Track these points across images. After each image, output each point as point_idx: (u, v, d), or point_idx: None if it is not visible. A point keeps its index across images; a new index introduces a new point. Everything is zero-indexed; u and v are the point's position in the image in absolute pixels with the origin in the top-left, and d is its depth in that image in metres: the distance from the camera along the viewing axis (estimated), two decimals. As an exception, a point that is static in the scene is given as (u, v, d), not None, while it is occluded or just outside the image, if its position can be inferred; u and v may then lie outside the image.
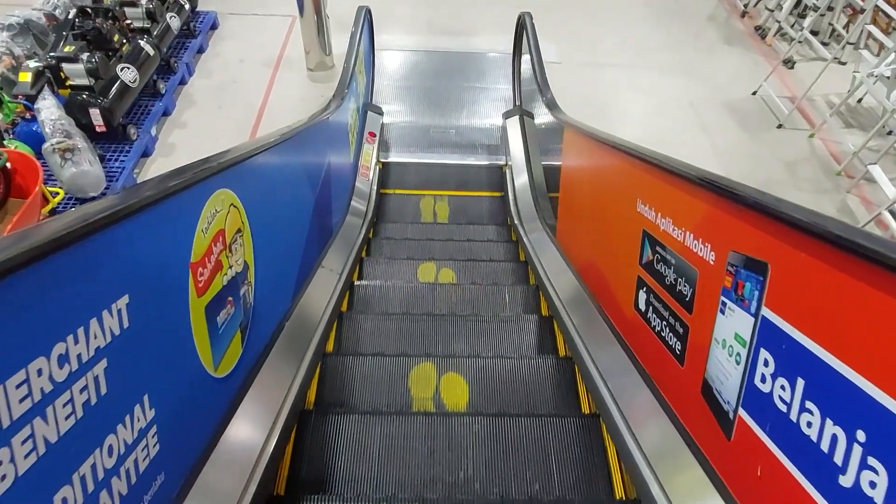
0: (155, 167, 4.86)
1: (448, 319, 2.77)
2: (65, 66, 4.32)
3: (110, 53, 4.65)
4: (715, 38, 6.93)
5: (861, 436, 1.00)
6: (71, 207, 4.22)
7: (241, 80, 5.90)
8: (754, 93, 5.99)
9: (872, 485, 0.97)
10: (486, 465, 1.97)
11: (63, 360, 0.94)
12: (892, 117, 4.66)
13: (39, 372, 0.89)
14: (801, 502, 1.14)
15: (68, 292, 0.95)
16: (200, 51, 6.11)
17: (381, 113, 5.42)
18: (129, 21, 5.11)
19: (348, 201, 3.97)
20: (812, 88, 5.46)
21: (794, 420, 1.17)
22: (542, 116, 4.73)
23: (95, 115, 4.41)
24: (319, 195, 3.01)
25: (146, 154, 4.89)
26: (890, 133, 5.12)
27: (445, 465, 1.96)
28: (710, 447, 1.54)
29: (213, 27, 6.45)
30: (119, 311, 1.09)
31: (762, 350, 1.30)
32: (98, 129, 4.48)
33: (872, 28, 5.45)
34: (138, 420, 1.18)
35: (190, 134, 5.25)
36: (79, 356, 0.98)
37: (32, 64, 4.39)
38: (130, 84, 4.72)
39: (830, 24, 6.51)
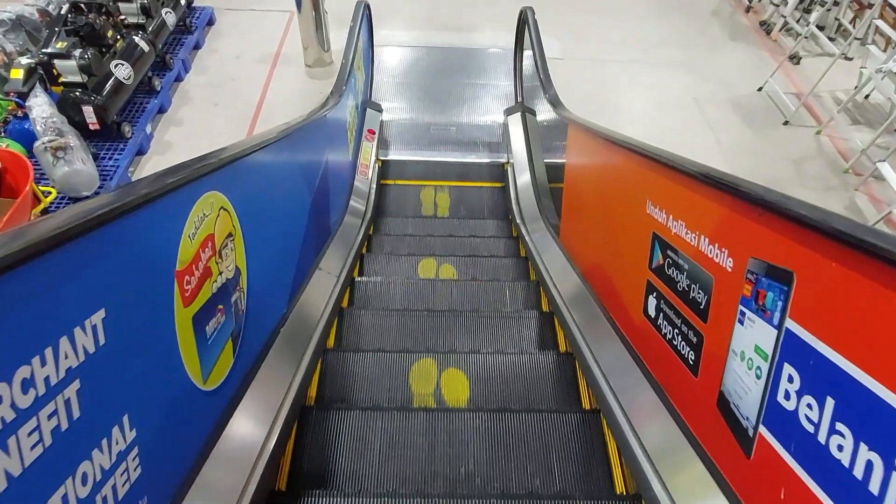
0: (150, 165, 4.77)
1: (449, 315, 2.77)
2: (57, 62, 4.23)
3: (104, 50, 4.56)
4: (719, 33, 6.83)
5: (902, 464, 0.92)
6: (65, 206, 4.14)
7: (238, 76, 5.81)
8: (760, 89, 5.89)
9: (915, 519, 0.89)
10: (486, 460, 1.98)
11: (28, 384, 0.86)
12: (902, 114, 4.57)
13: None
14: (831, 532, 1.06)
15: (33, 310, 0.87)
16: (197, 47, 6.01)
17: (380, 110, 5.33)
18: (123, 17, 5.01)
19: (347, 201, 3.88)
20: (818, 84, 5.36)
21: (823, 442, 1.09)
22: (545, 113, 4.64)
23: (88, 112, 4.32)
24: (316, 195, 2.92)
25: (141, 152, 4.81)
26: (898, 130, 5.03)
27: (446, 461, 1.96)
28: (727, 464, 1.46)
29: (210, 23, 6.35)
30: (94, 328, 1.01)
31: (786, 365, 1.21)
32: (91, 127, 4.39)
33: (880, 23, 5.35)
34: (117, 443, 1.09)
35: (186, 131, 5.16)
36: (46, 379, 0.89)
37: (24, 61, 4.29)
38: (125, 81, 4.62)
39: (837, 18, 6.41)
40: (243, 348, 1.81)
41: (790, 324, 1.20)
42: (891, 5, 5.29)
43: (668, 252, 1.79)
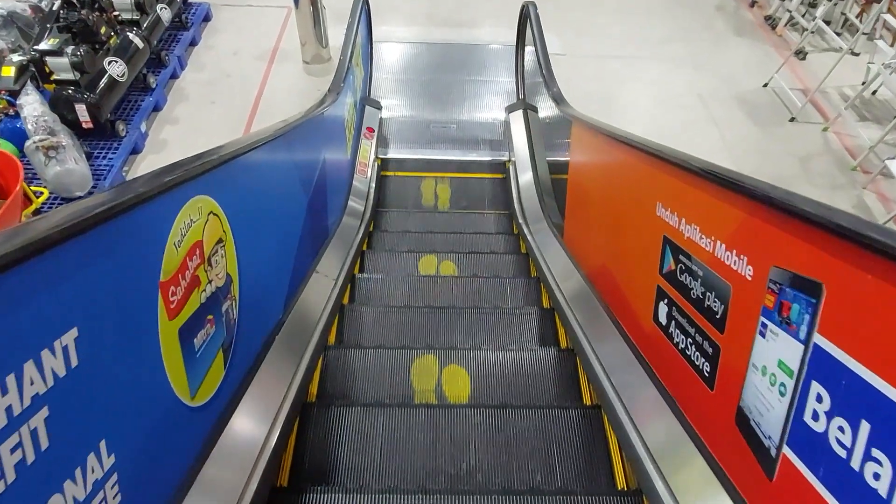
0: (145, 164, 4.68)
1: (449, 312, 2.76)
2: (49, 59, 4.14)
3: (97, 46, 4.46)
4: (723, 28, 6.73)
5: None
6: (57, 207, 4.05)
7: (235, 73, 5.71)
8: (765, 85, 5.80)
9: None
10: (488, 456, 1.97)
11: (-14, 416, 0.77)
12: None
13: (-48, 436, 0.73)
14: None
15: (-9, 334, 0.79)
16: (193, 43, 5.91)
17: (379, 107, 5.24)
18: (117, 13, 4.92)
19: (345, 200, 3.79)
20: (825, 80, 5.26)
21: (857, 469, 1.00)
22: (547, 110, 4.55)
23: (81, 110, 4.23)
24: (313, 196, 2.84)
25: (136, 151, 4.72)
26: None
27: (448, 457, 1.96)
28: (747, 485, 1.38)
29: (206, 19, 6.25)
30: (65, 349, 0.93)
31: (814, 383, 1.13)
32: (85, 126, 4.31)
33: (888, 17, 5.25)
34: (93, 471, 1.01)
35: (182, 130, 5.07)
36: (8, 409, 0.81)
37: (16, 58, 4.20)
38: (119, 78, 4.53)
39: (843, 13, 6.31)
40: (235, 359, 1.73)
41: (819, 339, 1.11)
42: (899, -1, 5.20)
43: (681, 257, 1.71)
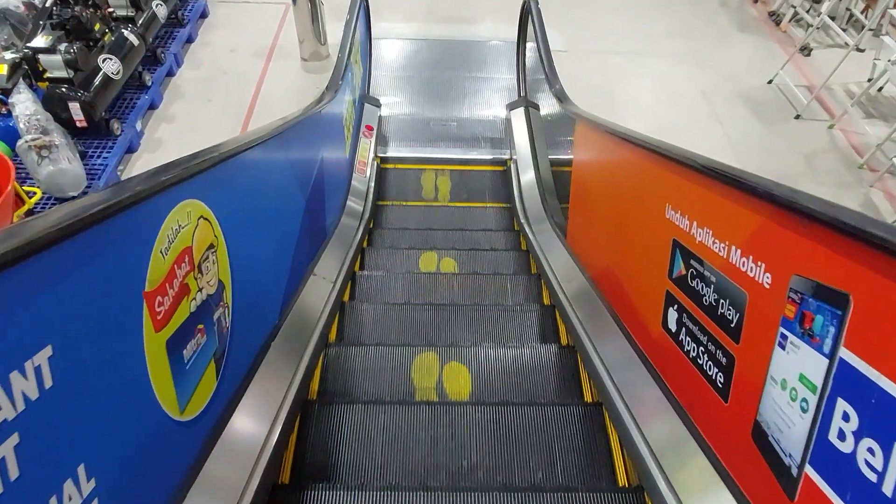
0: (140, 163, 4.61)
1: (450, 309, 2.75)
2: (41, 57, 4.06)
3: (91, 44, 4.38)
4: (727, 24, 6.64)
5: None
6: (51, 207, 3.98)
7: (232, 71, 5.63)
8: (770, 81, 5.71)
9: None
10: (489, 453, 1.97)
11: (-56, 449, 0.71)
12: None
13: None
14: None
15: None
16: (189, 40, 5.83)
17: (378, 105, 5.16)
18: (111, 9, 4.84)
19: (344, 200, 3.72)
20: (830, 77, 5.18)
21: (891, 496, 0.94)
22: (549, 108, 4.48)
23: (75, 109, 4.15)
24: (311, 196, 2.77)
25: (131, 150, 4.64)
26: (914, 123, 4.86)
27: (449, 454, 1.97)
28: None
29: (203, 15, 6.16)
30: (38, 369, 0.86)
31: (840, 400, 1.06)
32: (79, 124, 4.23)
33: (895, 12, 5.17)
34: (70, 499, 0.94)
35: (178, 128, 4.99)
36: (-29, 440, 0.74)
37: (8, 55, 4.12)
38: (113, 76, 4.45)
39: (848, 8, 6.22)
40: (228, 369, 1.66)
41: (845, 353, 1.04)
42: (905, -6, 5.11)
43: (692, 262, 1.64)
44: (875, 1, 5.84)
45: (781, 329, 1.23)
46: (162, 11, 5.29)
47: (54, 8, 4.29)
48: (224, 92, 5.39)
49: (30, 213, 3.79)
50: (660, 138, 1.88)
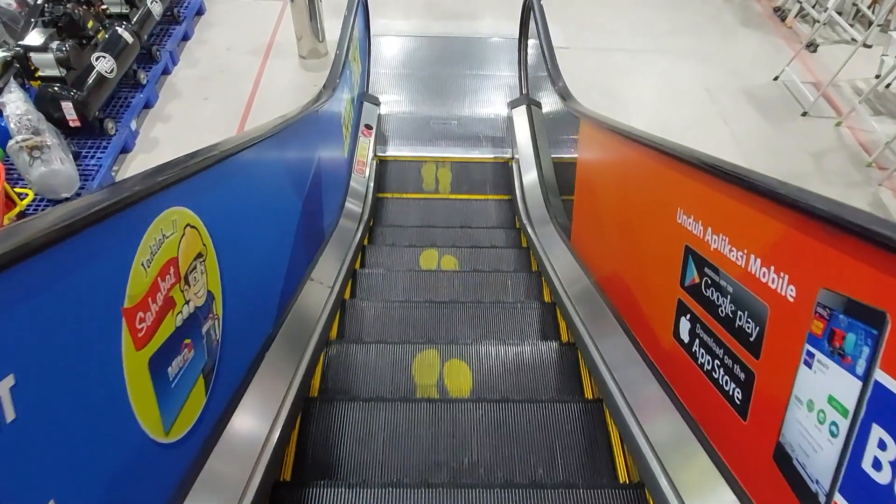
0: (136, 164, 4.53)
1: (450, 306, 2.74)
2: (33, 55, 3.97)
3: (84, 42, 4.30)
4: (731, 20, 6.54)
5: None
6: (43, 209, 3.90)
7: (229, 69, 5.55)
8: (776, 78, 5.62)
9: None
10: (490, 450, 1.98)
11: None
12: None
13: None
14: None
15: None
16: (185, 38, 5.74)
17: (377, 103, 5.07)
18: (105, 6, 4.75)
19: (342, 202, 3.64)
20: (837, 73, 5.08)
21: (936, 535, 0.86)
22: (552, 106, 4.39)
23: (68, 108, 4.07)
24: (307, 199, 2.68)
25: (126, 150, 4.56)
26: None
27: (450, 451, 1.97)
28: (788, 532, 1.23)
29: (199, 12, 6.08)
30: (-3, 401, 0.78)
31: (875, 426, 0.98)
32: (72, 124, 4.15)
33: (904, 8, 5.08)
34: (37, 540, 0.86)
35: (174, 127, 4.91)
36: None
37: (-1, 54, 4.04)
38: (107, 74, 4.37)
39: (854, 3, 6.13)
40: (219, 383, 1.58)
41: (882, 376, 0.96)
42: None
43: (706, 270, 1.55)
44: (882, -4, 5.74)
45: (807, 346, 1.15)
46: (157, 8, 5.20)
47: (46, 5, 4.21)
48: (221, 90, 5.31)
49: (22, 215, 3.71)
50: (663, 137, 1.83)
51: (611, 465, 1.96)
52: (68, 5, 4.20)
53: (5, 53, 4.02)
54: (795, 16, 6.36)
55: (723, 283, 1.47)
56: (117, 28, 4.60)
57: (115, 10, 4.82)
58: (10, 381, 0.80)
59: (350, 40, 3.87)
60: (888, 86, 5.44)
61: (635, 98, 5.55)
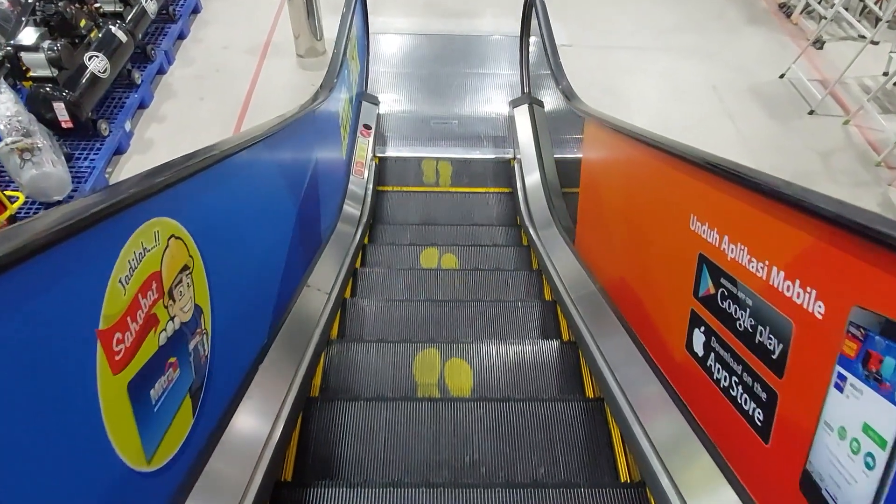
0: (130, 165, 4.44)
1: (451, 305, 2.74)
2: (24, 55, 3.89)
3: (76, 41, 4.21)
4: (736, 17, 6.45)
5: None
6: (34, 213, 3.82)
7: (226, 68, 5.46)
8: (782, 76, 5.53)
9: None
10: (491, 449, 1.98)
11: None
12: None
13: None
14: None
15: None
16: (181, 37, 5.65)
17: (376, 103, 4.98)
18: (98, 4, 4.66)
19: (340, 204, 3.55)
20: (845, 71, 4.99)
21: None
22: (555, 104, 4.30)
23: (60, 109, 3.98)
24: (304, 203, 2.59)
25: (120, 151, 4.47)
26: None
27: (451, 450, 1.97)
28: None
29: (195, 11, 5.99)
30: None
31: (919, 461, 0.89)
32: (64, 125, 4.06)
33: (912, 3, 4.98)
34: None
35: (169, 128, 4.82)
36: None
37: (-10, 53, 3.95)
38: (100, 74, 4.28)
39: (861, 0, 6.02)
40: (207, 402, 1.50)
41: (926, 406, 0.88)
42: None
43: (723, 281, 1.47)
44: (890, -9, 5.63)
45: (838, 368, 1.06)
46: (152, 7, 5.11)
47: (38, 4, 4.12)
48: (217, 90, 5.22)
49: (12, 219, 3.63)
50: (666, 135, 1.80)
51: (612, 464, 1.96)
52: (60, 4, 4.11)
53: (-4, 53, 3.94)
54: (801, 12, 6.26)
55: (741, 295, 1.38)
56: (111, 27, 4.52)
57: (108, 8, 4.74)
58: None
59: (348, 38, 3.78)
60: (896, 83, 5.35)
61: (637, 96, 5.45)
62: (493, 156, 4.68)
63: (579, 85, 3.50)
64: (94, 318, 1.00)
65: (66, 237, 0.89)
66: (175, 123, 4.87)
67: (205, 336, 1.49)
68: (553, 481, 1.89)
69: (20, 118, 3.65)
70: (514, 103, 4.81)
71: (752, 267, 1.33)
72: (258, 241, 1.99)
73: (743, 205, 1.36)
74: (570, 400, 2.12)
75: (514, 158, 4.45)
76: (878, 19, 5.35)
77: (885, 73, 5.30)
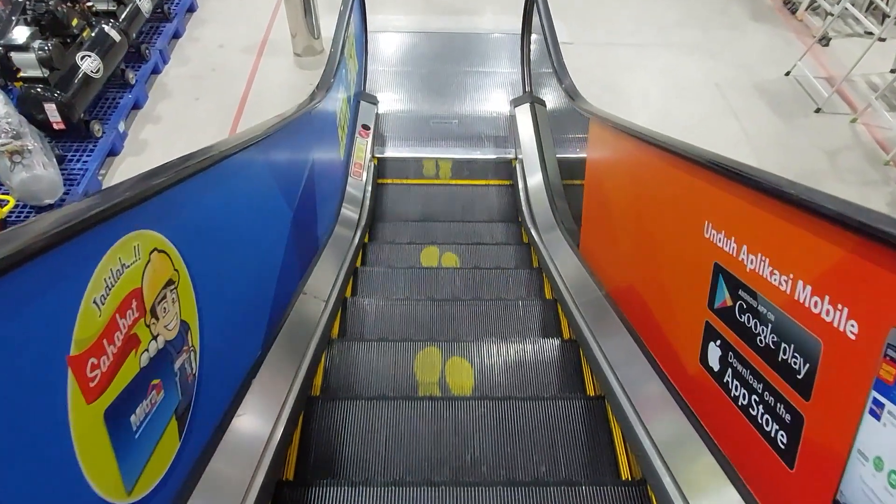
0: (124, 167, 4.36)
1: (452, 304, 2.73)
2: (14, 55, 3.80)
3: (68, 40, 4.12)
4: (740, 13, 6.35)
5: None
6: (25, 217, 3.74)
7: (222, 67, 5.37)
8: (787, 73, 5.43)
9: None
10: (492, 448, 1.97)
11: None
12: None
13: None
14: None
15: None
16: (176, 35, 5.56)
17: (375, 102, 4.89)
18: (90, 3, 4.57)
19: (338, 208, 3.46)
20: (853, 69, 4.89)
21: None
22: (557, 103, 4.21)
23: (51, 110, 3.90)
24: (300, 207, 2.51)
25: (113, 153, 4.39)
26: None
27: (452, 449, 1.96)
28: None
29: (191, 9, 5.89)
30: None
31: (971, 501, 0.81)
32: (56, 127, 3.97)
33: (921, -1, 4.89)
34: None
35: (164, 129, 4.73)
36: None
37: (-22, 53, 3.86)
38: (93, 74, 4.19)
39: (867, -5, 5.93)
40: (196, 421, 1.41)
41: (980, 442, 0.79)
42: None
43: (741, 293, 1.38)
44: (897, -13, 5.54)
45: (874, 393, 0.98)
46: (146, 5, 5.02)
47: (28, 2, 4.03)
48: (213, 90, 5.13)
49: (2, 223, 3.54)
50: (669, 134, 1.76)
51: (613, 462, 1.95)
52: (51, 2, 4.02)
53: (-15, 53, 3.85)
54: (806, 8, 6.16)
55: (762, 309, 1.30)
56: (104, 26, 4.42)
57: (101, 7, 4.65)
58: None
59: (346, 37, 3.69)
60: (903, 80, 5.25)
61: (638, 94, 5.36)
62: (493, 156, 4.60)
63: (579, 82, 3.42)
64: (64, 345, 0.92)
65: (28, 258, 0.81)
66: (170, 124, 4.78)
67: (192, 353, 1.40)
68: (554, 479, 1.89)
69: (10, 120, 3.57)
70: (516, 102, 4.72)
71: (775, 280, 1.24)
72: (251, 250, 1.90)
73: (764, 213, 1.28)
74: (571, 398, 2.11)
75: (516, 159, 4.37)
76: (884, 15, 5.25)
77: (893, 70, 5.21)
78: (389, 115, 4.98)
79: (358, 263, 3.21)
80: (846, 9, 5.23)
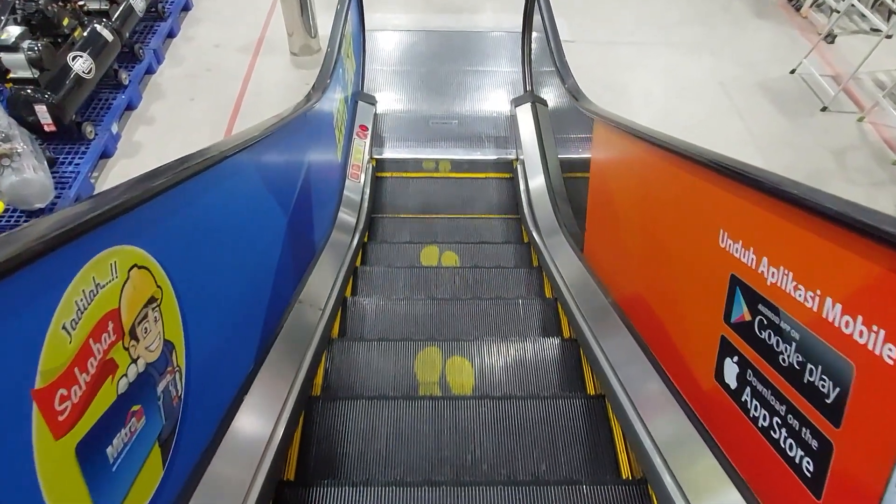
0: (117, 169, 4.27)
1: (452, 303, 2.72)
2: (3, 55, 3.71)
3: (59, 40, 4.03)
4: (743, 10, 6.26)
5: None
6: (15, 222, 3.65)
7: (217, 67, 5.29)
8: (793, 71, 5.35)
9: None
10: (492, 447, 1.97)
11: None
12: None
13: None
14: None
15: None
16: (170, 35, 5.48)
17: (373, 102, 4.80)
18: (82, 2, 4.48)
19: (335, 211, 3.38)
20: (860, 66, 4.81)
21: None
22: (559, 103, 4.12)
23: (42, 112, 3.81)
24: (295, 213, 2.42)
25: (106, 155, 4.30)
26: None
27: (453, 448, 1.96)
28: None
29: (185, 8, 5.81)
30: None
31: None
32: (47, 129, 3.89)
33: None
34: None
35: (158, 130, 4.65)
36: None
37: (-33, 54, 3.78)
38: (85, 75, 4.10)
39: (873, -8, 5.85)
40: (182, 446, 1.33)
41: None
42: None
43: (761, 308, 1.30)
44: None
45: (916, 425, 0.89)
46: (140, 4, 4.94)
47: (18, 1, 3.94)
48: (208, 90, 5.05)
49: (-8, 228, 3.46)
50: (672, 134, 1.74)
51: (614, 461, 1.95)
52: (41, 1, 3.94)
53: (-27, 54, 3.76)
54: (811, 5, 6.08)
55: (785, 326, 1.22)
56: (96, 25, 4.34)
57: (93, 6, 4.57)
58: None
59: (343, 36, 3.60)
60: (910, 78, 5.17)
61: (640, 92, 5.28)
62: (494, 157, 4.52)
63: (580, 81, 3.34)
64: (27, 378, 0.83)
65: (-18, 285, 0.73)
66: (165, 125, 4.70)
67: (177, 374, 1.32)
68: (555, 478, 1.88)
69: (-1, 122, 3.48)
70: (517, 102, 4.63)
71: (800, 296, 1.16)
72: (242, 261, 1.82)
73: (787, 223, 1.19)
74: (571, 397, 2.11)
75: (517, 159, 4.28)
76: (891, 12, 5.18)
77: (900, 68, 5.13)
78: (388, 115, 4.90)
79: (358, 263, 3.18)
80: (852, 5, 5.15)
